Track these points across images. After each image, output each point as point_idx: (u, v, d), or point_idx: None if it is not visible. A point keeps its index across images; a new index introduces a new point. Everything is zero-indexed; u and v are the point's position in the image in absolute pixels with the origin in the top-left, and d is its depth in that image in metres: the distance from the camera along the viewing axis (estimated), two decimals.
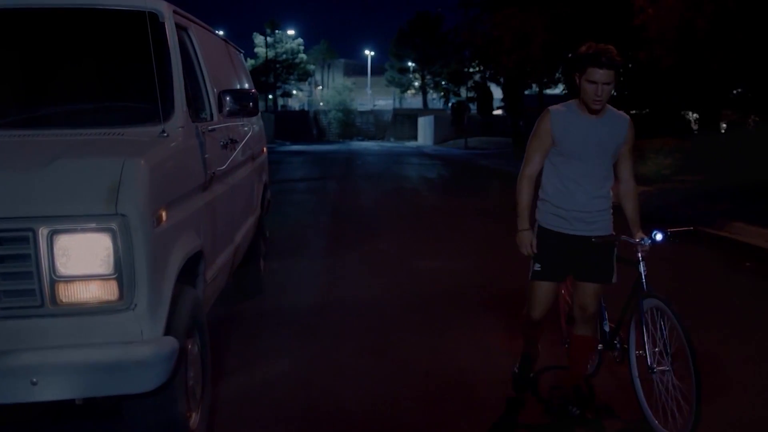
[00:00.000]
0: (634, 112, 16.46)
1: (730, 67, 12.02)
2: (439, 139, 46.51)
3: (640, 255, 3.66)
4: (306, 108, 68.77)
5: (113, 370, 2.79)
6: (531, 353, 4.12)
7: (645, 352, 3.64)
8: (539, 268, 3.77)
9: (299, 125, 57.90)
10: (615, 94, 14.38)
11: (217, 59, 5.06)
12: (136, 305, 2.84)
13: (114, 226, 2.76)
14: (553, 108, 3.71)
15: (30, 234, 2.71)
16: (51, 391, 2.72)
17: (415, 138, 54.16)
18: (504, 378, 4.23)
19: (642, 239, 3.64)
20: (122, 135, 3.32)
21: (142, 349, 2.81)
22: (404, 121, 59.61)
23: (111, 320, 2.83)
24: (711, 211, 10.28)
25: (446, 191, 17.09)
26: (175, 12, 3.92)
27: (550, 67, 23.33)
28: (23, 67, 3.85)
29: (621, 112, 3.74)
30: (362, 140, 58.65)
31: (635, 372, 3.88)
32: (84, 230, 2.75)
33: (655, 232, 3.63)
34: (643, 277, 3.66)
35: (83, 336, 2.81)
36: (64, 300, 2.79)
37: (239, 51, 6.75)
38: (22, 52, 3.83)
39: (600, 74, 3.42)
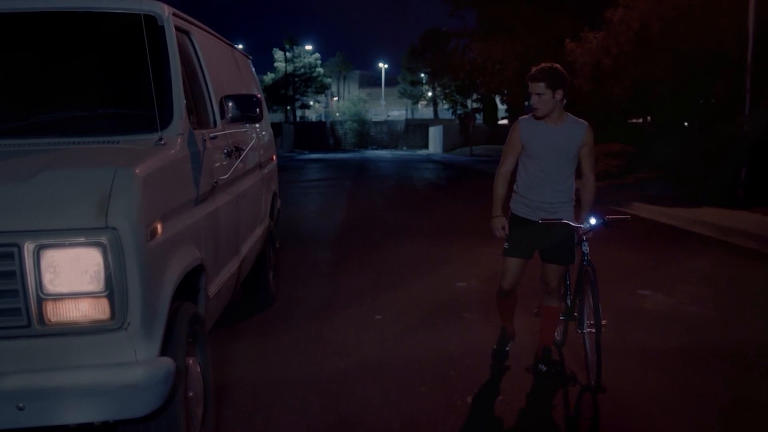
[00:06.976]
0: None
1: (626, 91, 17.25)
2: (448, 147, 46.34)
3: (583, 237, 4.09)
4: (323, 119, 68.25)
5: (105, 395, 2.49)
6: (507, 329, 4.54)
7: (582, 315, 4.18)
8: (507, 246, 4.28)
9: (317, 135, 57.69)
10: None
11: (222, 65, 4.70)
12: (129, 324, 2.53)
13: (104, 240, 2.46)
14: (522, 118, 4.22)
15: (15, 249, 2.43)
16: (38, 416, 2.43)
17: (427, 146, 53.87)
18: None
19: (583, 224, 4.08)
20: (117, 143, 3.01)
21: (136, 372, 2.51)
22: (416, 130, 59.24)
23: (102, 341, 2.53)
24: (630, 197, 13.37)
25: (437, 186, 19.97)
26: (174, 15, 3.57)
27: (522, 88, 25.48)
28: (15, 72, 3.49)
29: (580, 120, 4.15)
30: (376, 149, 58.33)
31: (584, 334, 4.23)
32: (72, 245, 2.46)
33: (590, 217, 4.09)
34: (585, 254, 4.08)
35: (73, 358, 2.51)
36: (52, 319, 2.50)
37: (247, 57, 6.34)
38: (14, 58, 3.47)
39: (532, 86, 3.99)
